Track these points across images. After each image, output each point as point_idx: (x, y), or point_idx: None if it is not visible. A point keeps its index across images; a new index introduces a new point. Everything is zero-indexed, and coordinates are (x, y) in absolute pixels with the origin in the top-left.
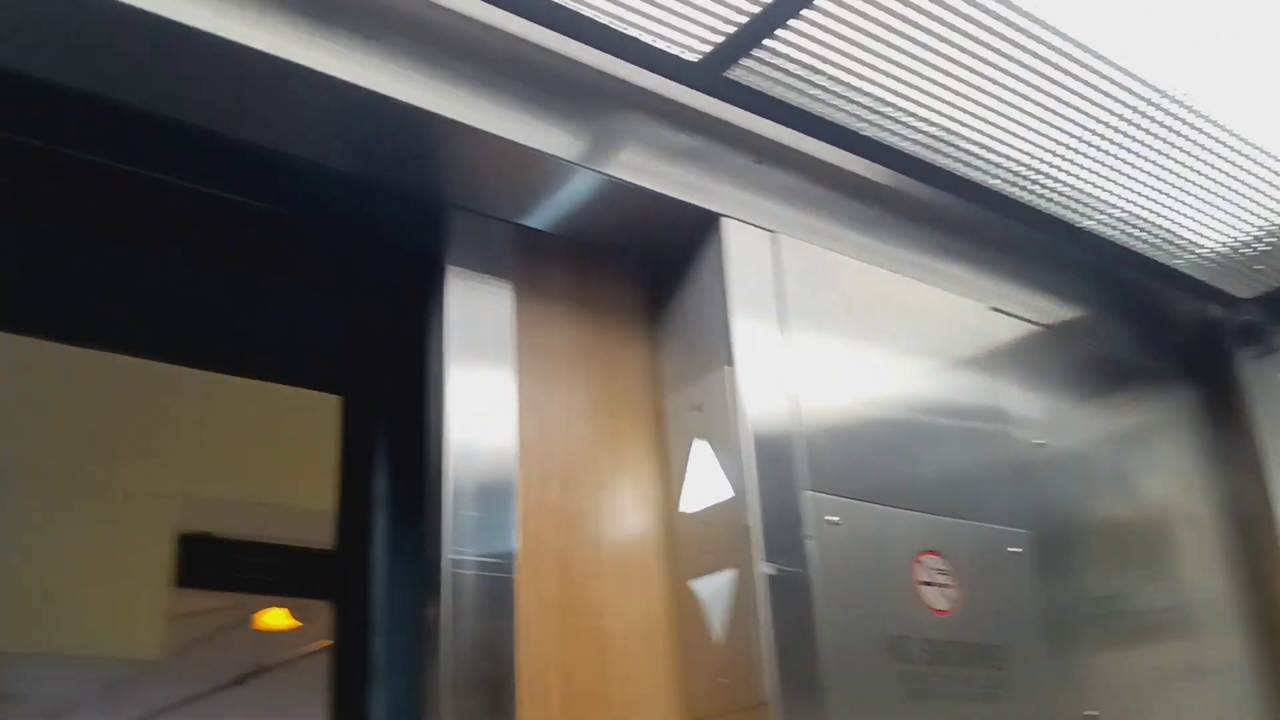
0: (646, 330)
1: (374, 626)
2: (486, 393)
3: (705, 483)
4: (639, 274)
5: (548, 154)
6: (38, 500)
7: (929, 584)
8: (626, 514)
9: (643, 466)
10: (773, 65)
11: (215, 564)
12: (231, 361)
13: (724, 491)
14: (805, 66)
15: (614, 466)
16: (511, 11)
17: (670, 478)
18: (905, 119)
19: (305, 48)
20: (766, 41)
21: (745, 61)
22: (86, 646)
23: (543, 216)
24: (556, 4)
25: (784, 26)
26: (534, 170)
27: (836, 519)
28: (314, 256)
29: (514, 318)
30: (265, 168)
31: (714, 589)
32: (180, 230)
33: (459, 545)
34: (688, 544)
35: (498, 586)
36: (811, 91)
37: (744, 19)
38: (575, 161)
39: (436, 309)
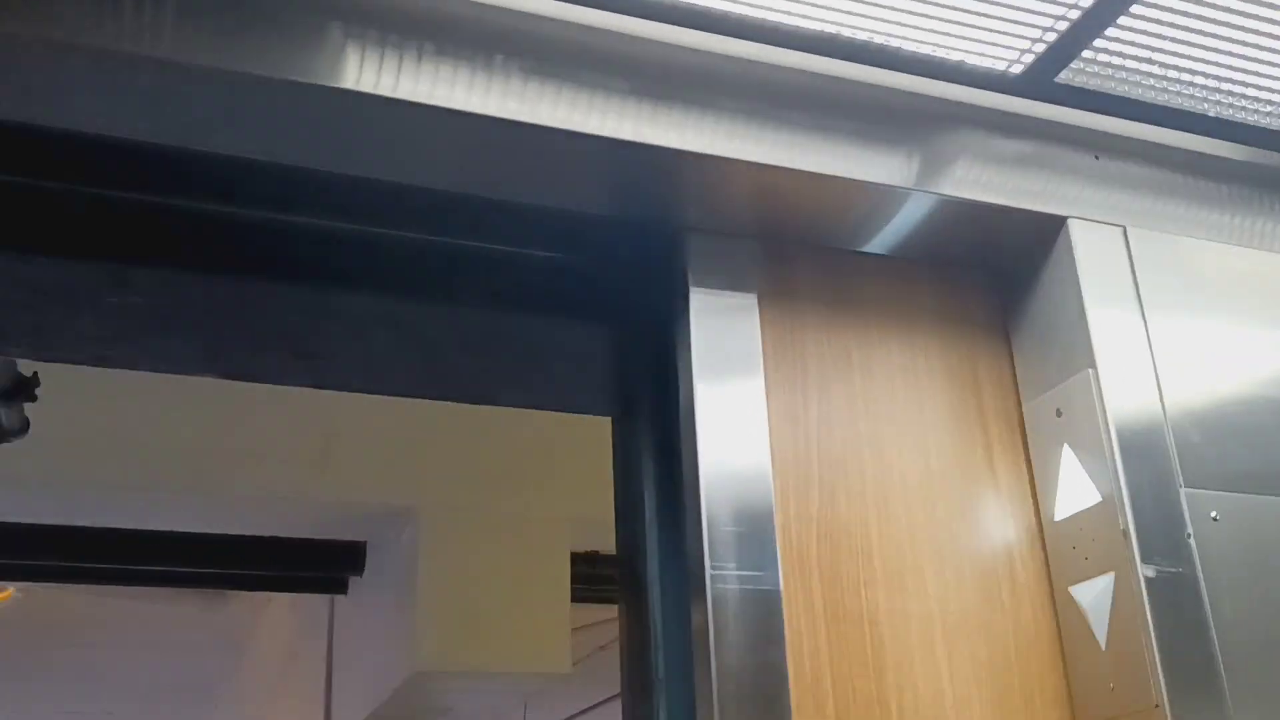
0: (993, 338)
1: (654, 640)
2: (739, 408)
3: (1075, 487)
4: (978, 285)
5: (881, 184)
6: (458, 536)
7: None
8: (949, 520)
9: (976, 472)
10: (1103, 63)
11: (603, 578)
12: (522, 394)
13: (1094, 495)
14: (1138, 59)
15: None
16: (835, 57)
17: (1036, 484)
18: (1253, 94)
19: (665, 129)
20: (1096, 42)
21: (1074, 64)
22: (505, 663)
23: (880, 242)
24: (875, 44)
25: (1113, 25)
26: (868, 200)
27: (1216, 514)
28: (581, 294)
29: (760, 331)
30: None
31: (1094, 594)
32: (480, 286)
33: (719, 561)
34: (1062, 551)
35: (763, 598)
36: (1147, 82)
37: (1066, 25)
38: (908, 186)
39: (685, 330)
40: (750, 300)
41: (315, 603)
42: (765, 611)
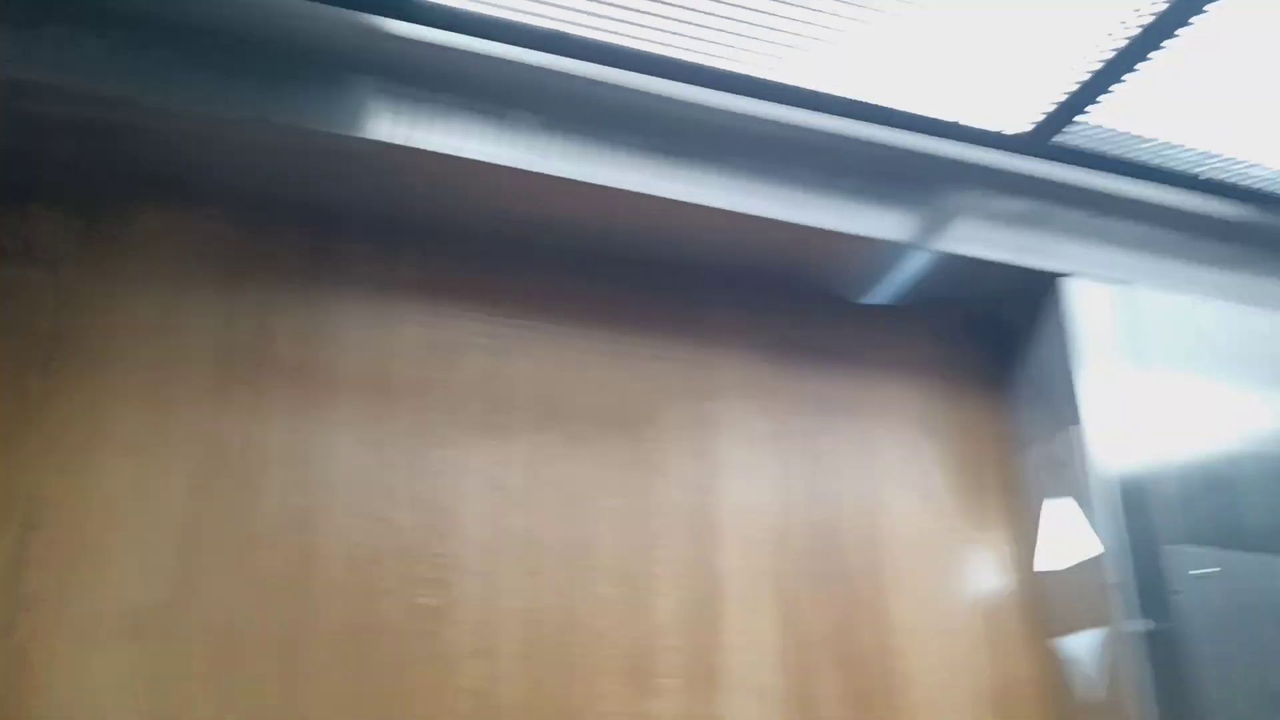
0: (992, 392)
1: None
2: None
3: (1062, 541)
4: (975, 339)
5: (883, 239)
6: None
7: None
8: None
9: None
10: (1101, 126)
11: None
12: None
13: (1081, 550)
14: (1137, 122)
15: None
16: (844, 116)
17: (1026, 538)
18: (1249, 158)
19: (695, 186)
20: (1091, 108)
21: (1073, 126)
22: None
23: (880, 294)
24: (883, 106)
25: (1111, 90)
26: (871, 254)
27: (1207, 570)
28: None
29: None
30: None
31: (1082, 648)
32: None
33: None
34: (1051, 603)
35: None
36: (1144, 145)
37: (1069, 89)
38: (910, 243)
39: None
40: None
41: None
42: None
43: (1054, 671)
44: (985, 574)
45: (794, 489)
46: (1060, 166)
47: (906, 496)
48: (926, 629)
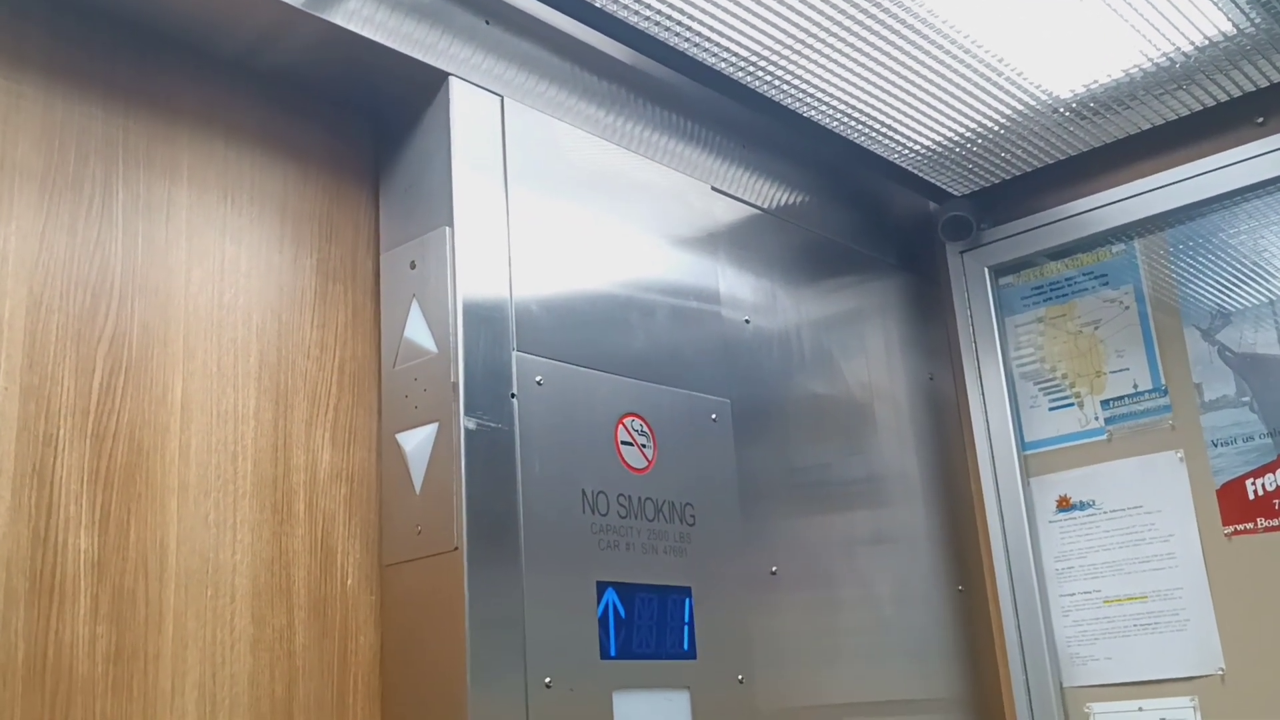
0: (362, 185)
1: None
2: None
3: (417, 339)
4: (359, 127)
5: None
6: None
7: (629, 444)
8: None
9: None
10: None
11: None
12: None
13: (432, 348)
14: None
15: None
16: None
17: (383, 333)
18: None
19: None
20: None
21: None
22: None
23: (264, 60)
24: None
25: None
26: (258, 13)
27: (541, 378)
28: None
29: None
30: None
31: (417, 442)
32: None
33: None
34: (395, 399)
35: None
36: None
37: None
38: (302, 8)
39: None
40: None
41: None
42: None
43: (391, 465)
44: (309, 363)
45: (63, 241)
46: None
47: (210, 270)
48: (210, 411)
